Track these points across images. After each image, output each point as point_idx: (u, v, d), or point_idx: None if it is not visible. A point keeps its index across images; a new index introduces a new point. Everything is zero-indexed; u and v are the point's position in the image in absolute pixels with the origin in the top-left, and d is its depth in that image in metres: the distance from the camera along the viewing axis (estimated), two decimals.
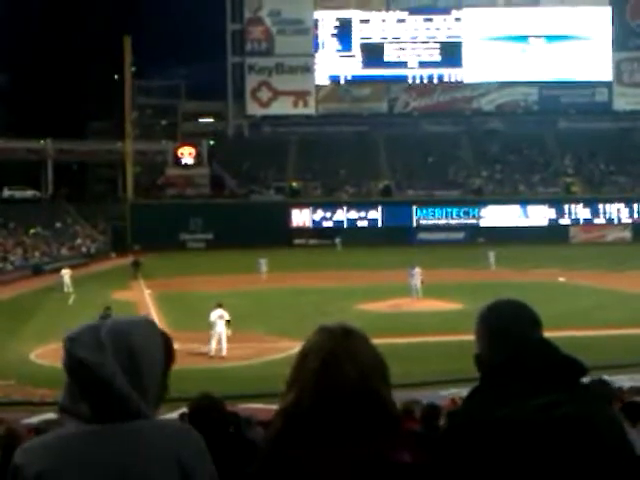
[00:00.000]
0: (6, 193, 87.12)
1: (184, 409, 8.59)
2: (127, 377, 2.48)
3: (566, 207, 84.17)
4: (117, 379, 2.46)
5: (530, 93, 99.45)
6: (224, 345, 29.66)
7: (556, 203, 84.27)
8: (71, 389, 2.56)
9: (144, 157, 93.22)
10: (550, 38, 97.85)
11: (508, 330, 2.86)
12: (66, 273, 52.03)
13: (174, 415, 11.13)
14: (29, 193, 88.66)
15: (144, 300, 46.15)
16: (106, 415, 2.47)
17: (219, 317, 29.64)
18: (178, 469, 2.48)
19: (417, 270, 43.54)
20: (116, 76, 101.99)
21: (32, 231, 77.12)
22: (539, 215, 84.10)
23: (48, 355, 29.99)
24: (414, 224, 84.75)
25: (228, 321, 29.77)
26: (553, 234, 78.34)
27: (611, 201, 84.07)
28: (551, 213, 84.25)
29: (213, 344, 29.77)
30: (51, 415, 16.20)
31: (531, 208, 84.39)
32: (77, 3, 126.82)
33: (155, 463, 2.46)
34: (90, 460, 2.44)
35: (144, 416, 2.50)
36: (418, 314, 37.94)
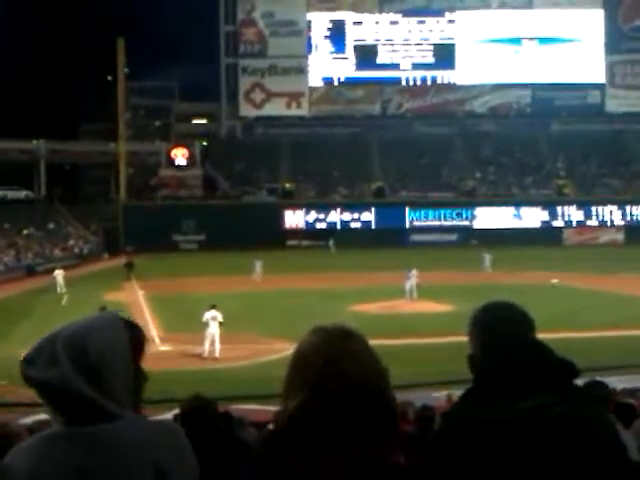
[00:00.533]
0: None
1: (176, 410, 8.58)
2: (89, 382, 2.47)
3: (559, 209, 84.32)
4: (76, 387, 2.46)
5: (523, 95, 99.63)
6: (217, 346, 29.66)
7: (549, 205, 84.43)
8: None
9: (137, 158, 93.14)
10: (543, 40, 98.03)
11: (500, 332, 2.86)
12: (59, 274, 51.95)
13: (168, 416, 11.12)
14: (22, 194, 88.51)
15: (137, 301, 46.08)
16: (78, 419, 2.47)
17: (212, 318, 29.63)
18: (153, 468, 2.45)
19: (414, 272, 43.63)
20: (109, 77, 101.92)
21: (25, 232, 77.01)
22: (532, 217, 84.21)
23: None
24: (407, 226, 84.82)
25: (221, 322, 29.76)
26: (546, 236, 78.49)
27: (604, 203, 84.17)
28: (544, 215, 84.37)
29: (206, 345, 29.75)
30: (44, 416, 16.19)
31: (524, 210, 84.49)
32: (70, 4, 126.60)
33: (123, 463, 2.44)
34: (59, 462, 2.44)
35: (116, 417, 2.48)
36: (412, 316, 37.96)
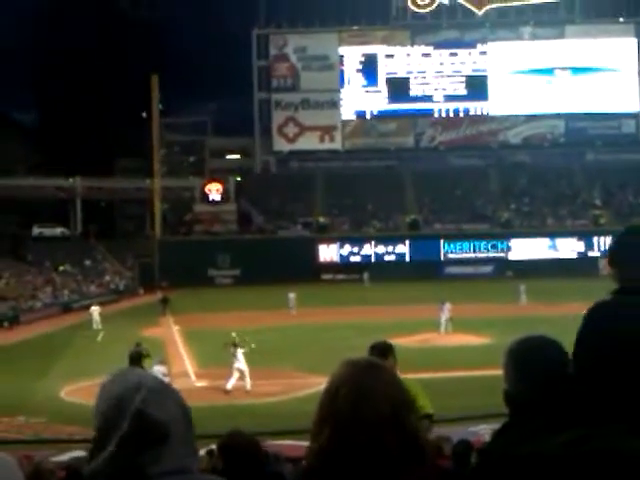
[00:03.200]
0: (35, 231, 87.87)
1: (212, 446, 8.57)
2: None
3: (595, 239, 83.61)
4: None
5: (557, 125, 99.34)
6: (248, 380, 29.60)
7: (585, 235, 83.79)
8: None
9: (171, 194, 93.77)
10: (576, 70, 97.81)
11: (535, 366, 2.85)
12: (95, 310, 52.32)
13: (201, 452, 11.12)
14: (58, 231, 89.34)
15: (173, 337, 46.23)
16: None
17: (238, 351, 29.66)
18: None
19: (447, 305, 43.50)
20: (144, 114, 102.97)
21: (61, 268, 77.65)
22: (568, 248, 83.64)
23: (78, 393, 30.08)
24: (442, 258, 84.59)
25: (247, 350, 29.91)
26: (582, 266, 77.69)
27: None
28: (580, 246, 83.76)
29: (234, 378, 29.76)
30: (81, 453, 16.22)
31: (560, 241, 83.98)
32: (105, 41, 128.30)
33: None
34: None
35: None
36: (447, 349, 37.76)
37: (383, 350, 7.55)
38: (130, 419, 2.32)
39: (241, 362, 29.59)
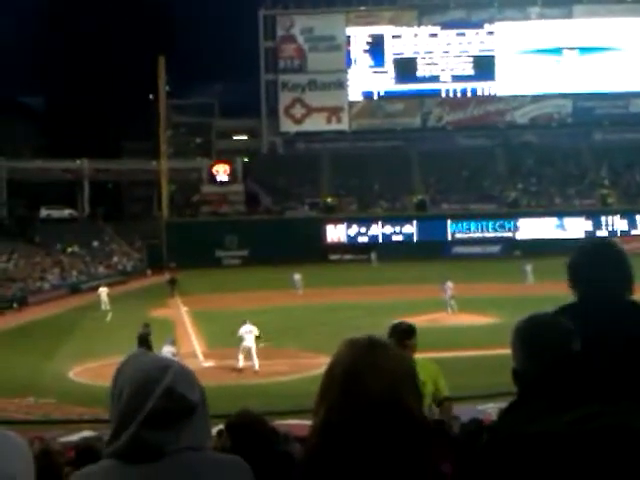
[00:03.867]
0: (43, 213, 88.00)
1: (220, 426, 8.59)
2: None
3: (603, 219, 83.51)
4: None
5: (564, 105, 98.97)
6: (255, 360, 29.77)
7: (592, 215, 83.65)
8: None
9: (179, 175, 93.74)
10: (583, 50, 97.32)
11: (544, 344, 2.85)
12: (103, 291, 52.44)
13: (212, 432, 11.15)
14: (66, 212, 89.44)
15: (181, 317, 46.35)
16: None
17: (248, 332, 29.77)
18: None
19: (449, 284, 43.58)
20: (151, 96, 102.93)
21: (69, 250, 77.78)
22: (576, 227, 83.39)
23: (87, 374, 30.24)
24: (449, 238, 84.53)
25: (257, 336, 29.90)
26: None
27: None
28: (588, 225, 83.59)
29: (241, 358, 29.97)
30: (89, 433, 16.32)
31: (567, 220, 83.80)
32: (111, 24, 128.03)
33: None
34: None
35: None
36: (455, 328, 37.80)
37: (407, 331, 7.57)
38: (159, 397, 2.40)
39: (248, 341, 29.73)
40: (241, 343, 29.93)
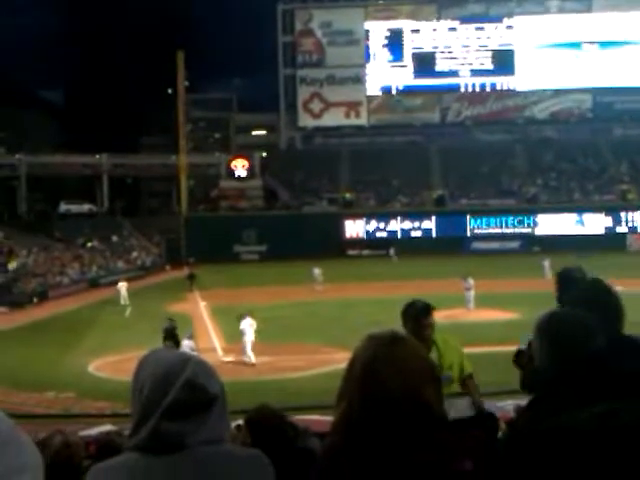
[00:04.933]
0: (63, 207, 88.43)
1: (239, 421, 8.61)
2: None
3: (623, 215, 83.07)
4: None
5: (584, 100, 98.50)
6: (250, 353, 30.12)
7: (612, 211, 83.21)
8: None
9: (197, 170, 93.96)
10: (603, 44, 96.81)
11: (566, 340, 2.84)
12: (122, 286, 52.59)
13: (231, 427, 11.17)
14: (85, 207, 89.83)
15: (199, 312, 46.45)
16: None
17: (249, 326, 29.96)
18: None
19: (470, 281, 43.47)
20: (170, 90, 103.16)
21: (88, 245, 78.08)
22: (595, 223, 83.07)
23: (106, 368, 30.35)
24: (468, 233, 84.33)
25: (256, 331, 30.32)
26: (610, 242, 77.23)
27: None
28: (607, 221, 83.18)
29: (249, 353, 30.20)
30: (110, 427, 16.36)
31: (587, 216, 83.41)
32: (130, 19, 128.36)
33: None
34: (165, 477, 2.46)
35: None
36: (474, 324, 37.69)
37: (424, 309, 7.44)
38: (180, 389, 2.44)
39: (249, 335, 29.98)
40: (243, 337, 30.16)
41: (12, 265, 64.03)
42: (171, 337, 29.37)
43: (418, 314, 7.29)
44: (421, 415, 2.46)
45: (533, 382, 2.91)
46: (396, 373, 2.48)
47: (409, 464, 2.40)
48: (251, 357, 30.09)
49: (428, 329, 7.21)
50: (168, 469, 2.45)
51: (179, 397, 2.44)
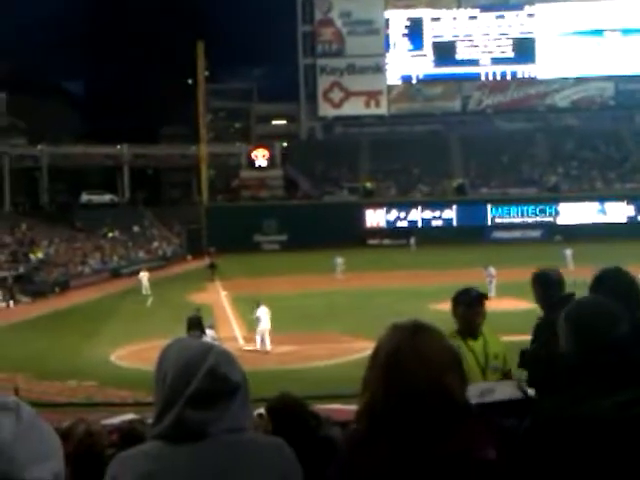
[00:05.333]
0: (84, 198, 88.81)
1: (261, 410, 8.63)
2: None
3: None
4: None
5: (606, 88, 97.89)
6: (268, 340, 30.61)
7: (635, 199, 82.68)
8: None
9: (218, 160, 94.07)
10: (626, 31, 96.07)
11: (591, 327, 2.83)
12: (144, 276, 52.79)
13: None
14: (106, 197, 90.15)
15: (220, 302, 46.55)
16: None
17: (264, 314, 30.58)
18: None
19: (491, 269, 43.40)
20: (190, 80, 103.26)
21: (110, 235, 78.41)
22: (617, 212, 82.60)
23: (128, 357, 30.51)
24: (489, 223, 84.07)
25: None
26: (632, 231, 76.71)
27: None
28: (630, 210, 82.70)
29: (258, 340, 30.72)
30: (131, 415, 16.45)
31: (609, 205, 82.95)
32: (149, 9, 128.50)
33: (260, 473, 2.51)
34: (188, 467, 2.47)
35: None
36: (496, 313, 37.40)
37: (479, 298, 7.40)
38: (203, 377, 2.46)
39: (264, 323, 30.26)
40: (258, 325, 30.60)
41: (38, 255, 64.48)
42: (197, 327, 29.50)
43: (472, 301, 7.31)
44: (445, 404, 2.47)
45: (540, 381, 2.92)
46: (420, 363, 2.49)
47: (431, 454, 2.41)
48: (267, 345, 30.33)
49: (479, 317, 7.35)
50: (191, 457, 2.47)
51: (202, 386, 2.46)
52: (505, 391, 4.12)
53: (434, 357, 2.52)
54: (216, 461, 2.47)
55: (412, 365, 2.48)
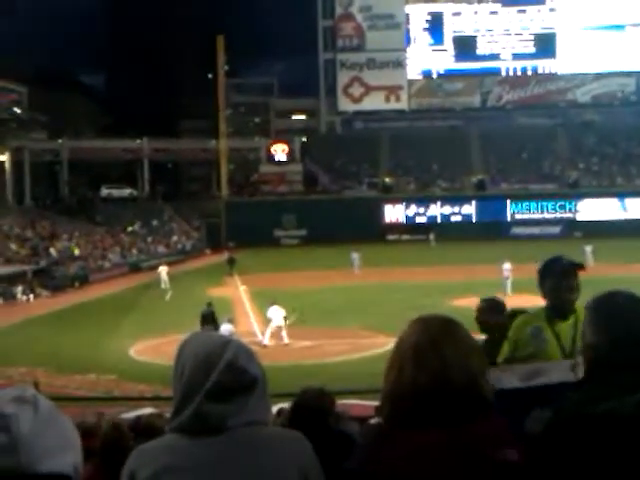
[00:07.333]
0: (104, 192, 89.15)
1: (280, 405, 8.64)
2: None
3: None
4: None
5: (627, 84, 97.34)
6: (284, 333, 31.18)
7: None
8: None
9: (237, 154, 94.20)
10: None
11: (617, 321, 2.80)
12: (163, 270, 52.90)
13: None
14: (126, 192, 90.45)
15: (239, 296, 46.62)
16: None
17: (275, 311, 31.10)
18: (300, 475, 2.54)
19: (507, 265, 43.32)
20: (210, 75, 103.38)
21: (129, 229, 78.62)
22: (638, 208, 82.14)
23: (147, 351, 30.62)
24: (509, 218, 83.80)
25: (285, 317, 31.15)
26: None
27: None
28: None
29: (267, 335, 31.12)
30: (150, 410, 16.50)
31: (629, 201, 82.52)
32: (170, 4, 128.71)
33: (278, 466, 2.52)
34: (207, 460, 2.48)
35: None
36: (513, 309, 37.45)
37: (574, 267, 5.90)
38: (221, 371, 2.48)
39: (277, 320, 30.52)
40: (270, 322, 31.14)
41: (76, 251, 65.08)
42: (210, 321, 29.70)
43: (564, 272, 5.83)
44: (472, 399, 2.47)
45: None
46: (455, 350, 2.50)
47: (451, 452, 2.40)
48: (283, 337, 30.58)
49: (573, 292, 5.84)
50: (210, 450, 2.48)
51: (220, 379, 2.48)
52: (554, 374, 3.89)
53: (465, 346, 2.53)
54: (235, 454, 2.48)
55: (447, 351, 2.49)
